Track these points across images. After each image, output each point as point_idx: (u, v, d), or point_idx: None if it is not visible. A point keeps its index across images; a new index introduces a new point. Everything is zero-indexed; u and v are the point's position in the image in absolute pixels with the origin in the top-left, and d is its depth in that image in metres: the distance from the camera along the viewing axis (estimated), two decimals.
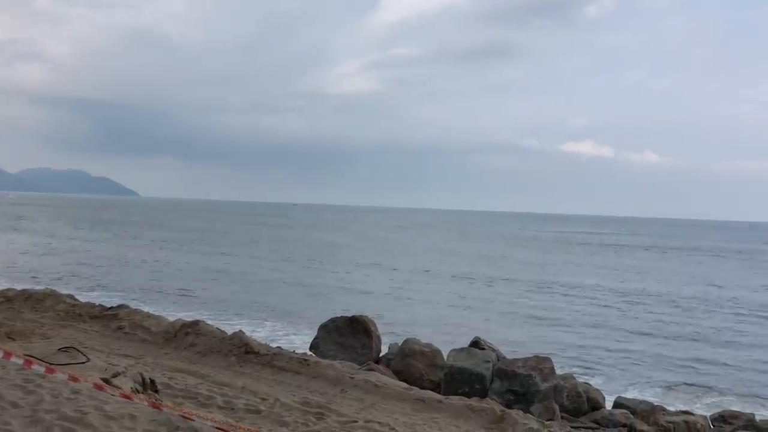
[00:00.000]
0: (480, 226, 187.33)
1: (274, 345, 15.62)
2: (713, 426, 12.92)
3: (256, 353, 12.91)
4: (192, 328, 14.23)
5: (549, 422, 11.04)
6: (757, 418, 14.60)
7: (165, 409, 6.62)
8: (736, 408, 17.58)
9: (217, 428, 6.31)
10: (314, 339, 16.94)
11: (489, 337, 19.33)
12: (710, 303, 41.72)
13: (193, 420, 6.42)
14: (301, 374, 12.02)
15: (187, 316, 20.00)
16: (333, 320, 16.91)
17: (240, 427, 6.70)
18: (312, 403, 9.94)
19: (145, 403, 6.81)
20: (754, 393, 20.80)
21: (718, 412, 14.31)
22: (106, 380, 7.63)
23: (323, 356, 14.96)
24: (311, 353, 15.78)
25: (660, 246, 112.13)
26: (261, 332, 24.01)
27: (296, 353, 13.96)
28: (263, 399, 9.96)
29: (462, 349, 15.23)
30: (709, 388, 21.01)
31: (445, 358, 15.18)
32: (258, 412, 9.35)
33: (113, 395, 6.96)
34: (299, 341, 22.04)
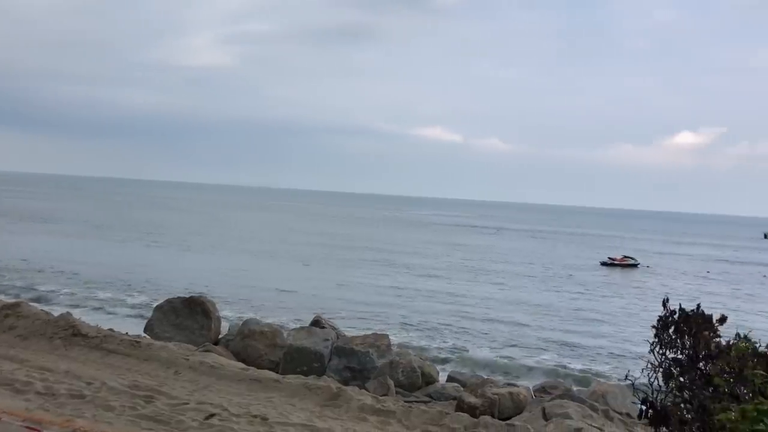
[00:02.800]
0: (335, 207, 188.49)
1: (105, 327, 14.92)
2: (535, 396, 13.80)
3: (84, 336, 12.27)
4: (12, 309, 13.28)
5: (383, 397, 11.32)
6: (575, 388, 15.80)
7: None
8: (572, 365, 19.23)
9: (27, 428, 5.91)
10: (149, 320, 16.35)
11: (331, 316, 19.59)
12: (546, 279, 44.66)
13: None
14: (131, 357, 11.56)
15: (8, 297, 18.70)
16: (169, 301, 16.38)
17: (52, 423, 6.32)
18: (141, 386, 9.63)
19: None
20: (584, 356, 22.60)
21: (540, 384, 15.34)
22: None
23: (158, 338, 14.47)
24: (145, 335, 15.23)
25: (506, 228, 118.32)
26: (91, 314, 22.92)
27: (128, 335, 13.41)
28: (88, 383, 9.53)
29: (302, 328, 15.29)
30: (540, 356, 22.53)
31: (285, 337, 15.16)
32: (82, 396, 8.94)
33: None
34: (133, 323, 21.20)
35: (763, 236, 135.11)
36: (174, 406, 8.84)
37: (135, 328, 17.82)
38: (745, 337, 5.22)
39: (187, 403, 9.04)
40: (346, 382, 12.48)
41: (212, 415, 8.66)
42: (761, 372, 4.29)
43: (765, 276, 57.52)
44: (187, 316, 15.64)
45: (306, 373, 12.74)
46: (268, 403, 9.81)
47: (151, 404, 8.82)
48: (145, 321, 16.95)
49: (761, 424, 3.64)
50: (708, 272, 58.78)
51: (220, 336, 16.07)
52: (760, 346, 5.09)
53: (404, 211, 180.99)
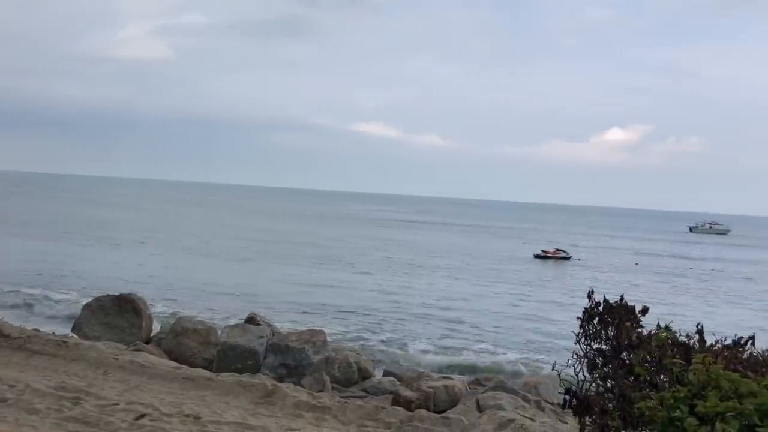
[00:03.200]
0: (271, 202, 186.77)
1: (30, 327, 14.46)
2: (469, 389, 14.01)
3: (7, 336, 11.88)
4: None
5: (319, 393, 11.30)
6: (508, 380, 16.11)
7: None
8: (505, 357, 19.62)
9: None
10: (77, 319, 15.90)
11: (266, 312, 19.42)
12: (480, 272, 45.32)
13: None
14: (58, 357, 11.24)
15: None
16: (98, 299, 15.98)
17: None
18: (68, 388, 9.36)
19: None
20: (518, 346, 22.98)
21: (475, 377, 15.59)
22: None
23: (87, 337, 14.10)
24: (73, 335, 14.81)
25: (442, 222, 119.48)
26: (15, 314, 22.11)
27: (55, 335, 13.02)
28: (11, 386, 9.20)
29: (236, 326, 15.14)
30: (471, 349, 22.83)
31: (219, 335, 14.97)
32: (4, 400, 8.64)
33: None
34: (60, 323, 20.57)
35: (688, 230, 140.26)
36: (103, 407, 8.63)
37: (62, 327, 17.34)
38: (666, 327, 5.38)
39: (117, 404, 8.84)
40: (281, 379, 12.43)
41: (143, 416, 8.49)
42: (679, 361, 4.44)
43: (691, 268, 59.78)
44: (116, 315, 15.29)
45: (240, 371, 12.62)
46: (201, 402, 9.68)
47: (78, 406, 8.59)
48: (73, 320, 16.48)
49: (678, 410, 3.78)
50: (636, 264, 60.78)
51: (151, 334, 15.78)
52: (680, 335, 5.26)
53: (341, 207, 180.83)
